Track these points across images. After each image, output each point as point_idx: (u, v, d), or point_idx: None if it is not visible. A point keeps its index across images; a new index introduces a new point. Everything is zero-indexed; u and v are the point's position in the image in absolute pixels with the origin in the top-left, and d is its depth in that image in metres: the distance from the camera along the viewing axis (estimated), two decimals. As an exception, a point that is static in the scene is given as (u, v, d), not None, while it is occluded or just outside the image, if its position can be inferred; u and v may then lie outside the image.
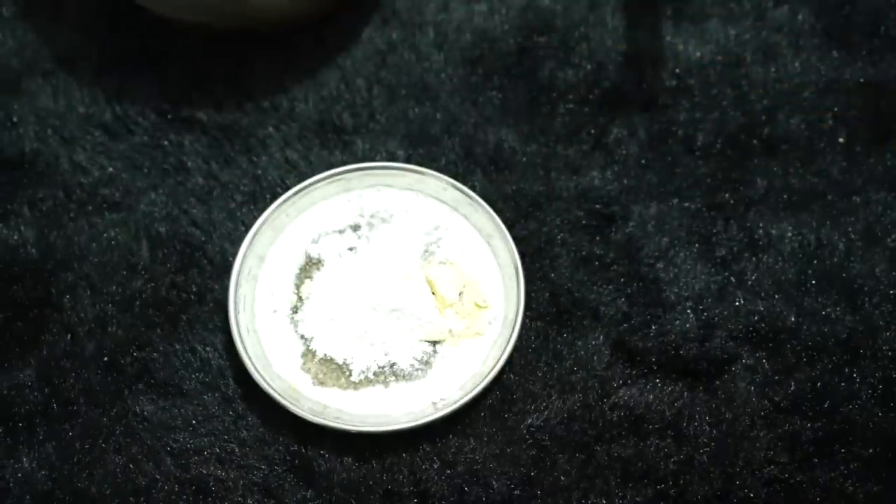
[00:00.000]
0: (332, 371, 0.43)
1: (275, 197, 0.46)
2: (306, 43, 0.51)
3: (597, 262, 0.46)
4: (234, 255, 0.44)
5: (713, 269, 0.45)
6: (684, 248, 0.46)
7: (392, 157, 0.48)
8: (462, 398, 0.41)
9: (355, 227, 0.46)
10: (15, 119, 0.49)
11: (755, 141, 0.48)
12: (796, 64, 0.50)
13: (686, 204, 0.47)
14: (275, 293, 0.45)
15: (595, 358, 0.44)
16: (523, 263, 0.43)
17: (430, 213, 0.46)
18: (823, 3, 0.51)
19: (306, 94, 0.50)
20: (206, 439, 0.43)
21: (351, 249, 0.46)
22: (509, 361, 0.42)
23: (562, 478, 0.42)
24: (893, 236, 0.46)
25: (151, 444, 0.42)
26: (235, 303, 0.43)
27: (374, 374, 0.43)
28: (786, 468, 0.42)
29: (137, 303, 0.45)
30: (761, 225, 0.46)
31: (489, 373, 0.41)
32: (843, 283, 0.45)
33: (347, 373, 0.43)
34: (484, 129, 0.49)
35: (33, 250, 0.46)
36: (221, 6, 0.47)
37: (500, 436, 0.42)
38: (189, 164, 0.48)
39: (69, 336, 0.44)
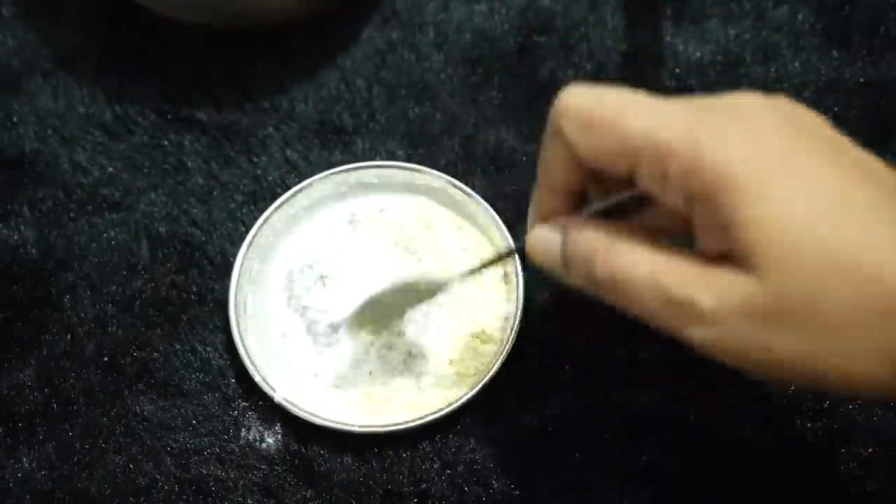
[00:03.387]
0: (333, 370, 0.43)
1: (275, 197, 0.46)
2: (306, 43, 0.51)
3: (597, 262, 0.46)
4: (234, 255, 0.44)
5: (713, 269, 0.45)
6: (684, 248, 0.46)
7: (392, 157, 0.48)
8: (462, 398, 0.41)
9: (356, 227, 0.46)
10: (15, 119, 0.49)
11: (755, 141, 0.48)
12: (796, 64, 0.50)
13: (686, 204, 0.47)
14: (275, 292, 0.45)
15: (595, 358, 0.44)
16: (523, 263, 0.43)
17: (430, 212, 0.46)
18: (823, 3, 0.51)
19: (306, 94, 0.50)
20: (206, 439, 0.43)
21: (352, 248, 0.46)
22: (509, 361, 0.42)
23: (562, 478, 0.42)
24: (893, 236, 0.46)
25: (151, 444, 0.42)
26: (236, 303, 0.43)
27: (375, 373, 0.43)
28: (785, 468, 0.42)
29: (137, 303, 0.45)
30: (761, 225, 0.46)
31: (489, 373, 0.41)
32: (843, 283, 0.45)
33: (348, 372, 0.43)
34: (484, 129, 0.49)
35: (33, 250, 0.46)
36: (221, 6, 0.47)
37: (500, 436, 0.42)
38: (189, 164, 0.48)
39: (69, 336, 0.44)
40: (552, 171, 0.32)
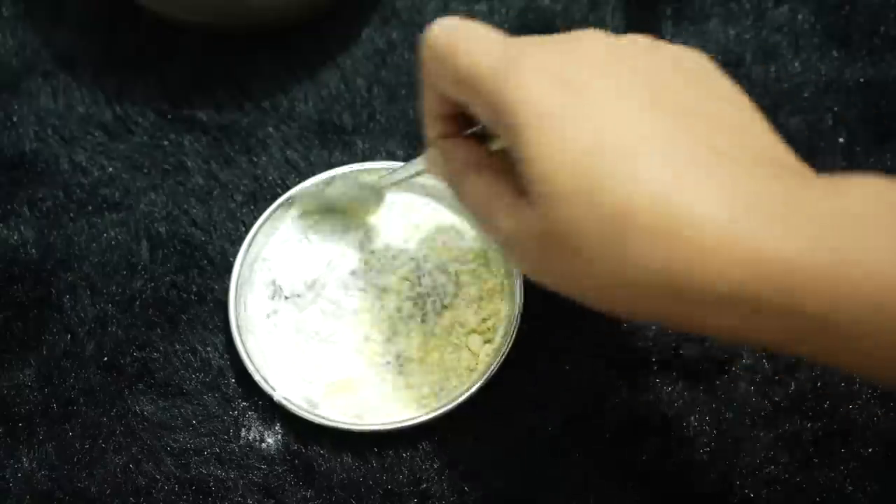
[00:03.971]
0: (333, 370, 0.43)
1: (275, 197, 0.46)
2: (306, 43, 0.51)
3: (597, 262, 0.46)
4: (234, 255, 0.44)
5: (713, 269, 0.45)
6: (684, 248, 0.46)
7: (392, 157, 0.48)
8: (461, 398, 0.41)
9: (356, 226, 0.46)
10: (15, 119, 0.49)
11: (755, 141, 0.48)
12: (796, 64, 0.50)
13: (686, 204, 0.47)
14: (275, 293, 0.45)
15: (595, 358, 0.44)
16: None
17: (431, 212, 0.46)
18: (823, 3, 0.51)
19: (306, 94, 0.50)
20: (206, 439, 0.43)
21: (352, 248, 0.46)
22: (509, 361, 0.42)
23: (562, 478, 0.42)
24: (893, 236, 0.46)
25: (151, 444, 0.42)
26: (236, 303, 0.43)
27: (376, 373, 0.43)
28: (786, 468, 0.42)
29: (137, 303, 0.45)
30: (761, 225, 0.46)
31: (489, 372, 0.41)
32: (843, 283, 0.45)
33: (348, 372, 0.43)
34: (484, 129, 0.49)
35: (33, 250, 0.46)
36: (221, 6, 0.47)
37: (500, 436, 0.42)
38: (189, 164, 0.48)
39: (69, 336, 0.44)
40: (424, 99, 0.35)
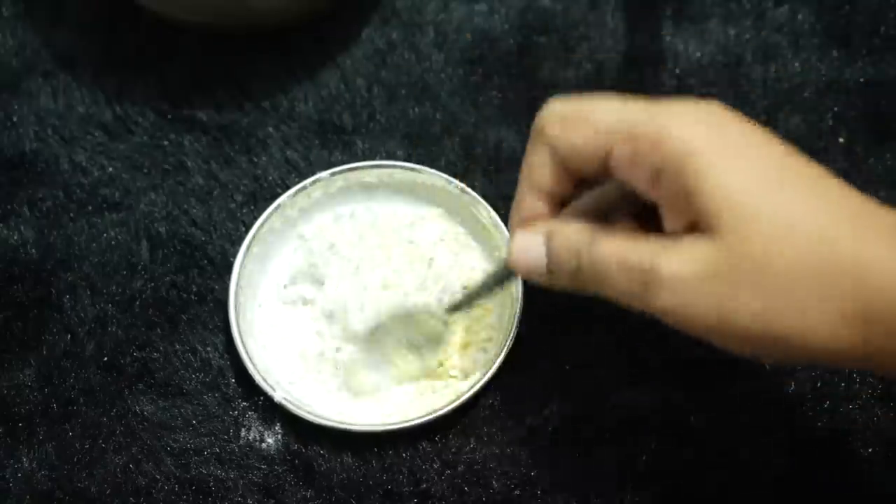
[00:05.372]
0: (333, 370, 0.43)
1: (275, 197, 0.46)
2: (306, 43, 0.51)
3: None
4: (234, 255, 0.44)
5: (713, 269, 0.45)
6: (684, 248, 0.46)
7: (392, 157, 0.48)
8: (461, 398, 0.41)
9: (355, 227, 0.46)
10: (15, 119, 0.49)
11: (755, 141, 0.48)
12: (796, 64, 0.50)
13: (686, 204, 0.47)
14: (275, 293, 0.45)
15: (595, 358, 0.44)
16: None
17: (430, 212, 0.46)
18: (823, 3, 0.51)
19: (306, 94, 0.50)
20: (206, 439, 0.43)
21: (352, 248, 0.46)
22: (509, 361, 0.42)
23: (562, 478, 0.42)
24: (893, 236, 0.46)
25: (151, 444, 0.42)
26: (236, 303, 0.43)
27: (376, 372, 0.43)
28: (786, 468, 0.42)
29: (137, 303, 0.45)
30: (761, 225, 0.46)
31: (489, 372, 0.41)
32: (843, 283, 0.45)
33: (348, 372, 0.43)
34: (484, 129, 0.49)
35: (33, 250, 0.46)
36: (221, 6, 0.47)
37: (500, 436, 0.42)
38: (189, 164, 0.48)
39: (69, 336, 0.44)
40: (535, 173, 0.35)
